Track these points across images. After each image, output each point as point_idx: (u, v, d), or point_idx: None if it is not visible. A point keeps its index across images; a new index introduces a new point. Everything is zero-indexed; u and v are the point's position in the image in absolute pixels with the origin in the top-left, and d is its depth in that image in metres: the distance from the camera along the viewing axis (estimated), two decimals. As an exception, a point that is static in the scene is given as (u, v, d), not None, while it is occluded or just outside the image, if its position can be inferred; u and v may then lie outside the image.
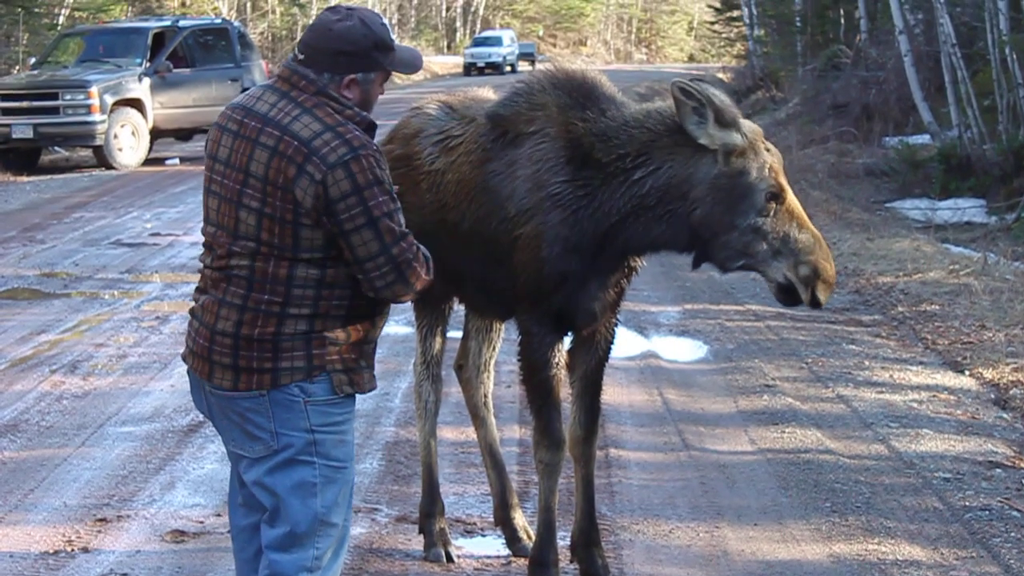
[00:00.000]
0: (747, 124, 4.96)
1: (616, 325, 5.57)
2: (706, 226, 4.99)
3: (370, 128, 4.02)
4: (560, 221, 5.13)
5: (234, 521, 4.31)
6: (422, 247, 4.06)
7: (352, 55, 4.00)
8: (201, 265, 4.17)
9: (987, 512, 6.58)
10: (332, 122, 3.93)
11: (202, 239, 4.17)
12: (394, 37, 4.17)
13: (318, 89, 3.99)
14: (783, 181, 4.92)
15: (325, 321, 3.98)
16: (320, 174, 3.85)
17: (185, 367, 4.22)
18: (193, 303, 4.17)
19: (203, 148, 4.21)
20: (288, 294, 3.94)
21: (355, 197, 3.86)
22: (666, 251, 5.25)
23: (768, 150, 4.94)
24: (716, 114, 4.89)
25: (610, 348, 5.57)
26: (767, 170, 4.90)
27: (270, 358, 3.97)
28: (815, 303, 4.95)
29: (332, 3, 49.84)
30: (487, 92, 5.92)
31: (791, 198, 4.94)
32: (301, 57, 4.04)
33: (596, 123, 5.16)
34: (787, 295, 4.99)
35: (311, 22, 4.17)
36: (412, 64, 4.17)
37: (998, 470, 7.20)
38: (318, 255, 3.94)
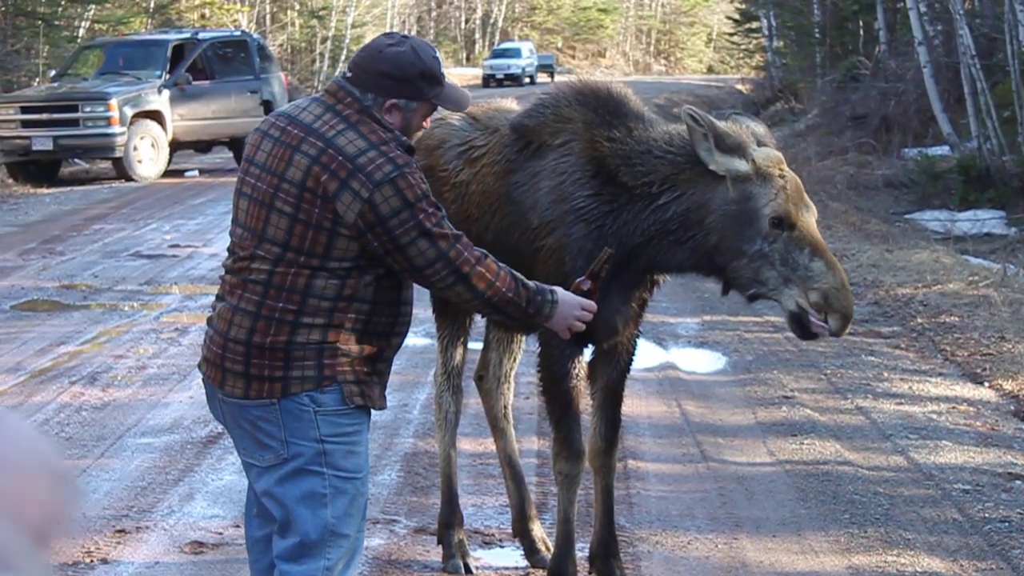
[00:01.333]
0: (761, 151, 4.91)
1: (637, 337, 5.55)
2: (720, 253, 4.97)
3: (408, 151, 4.06)
4: (584, 235, 5.12)
5: (249, 532, 4.32)
6: (480, 249, 4.07)
7: (397, 80, 4.05)
8: (223, 272, 4.20)
9: (1006, 524, 6.56)
10: (376, 139, 3.97)
11: (222, 251, 4.19)
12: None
13: (362, 107, 4.04)
14: (791, 207, 4.81)
15: (339, 332, 3.99)
16: (367, 192, 3.89)
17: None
18: (211, 312, 4.21)
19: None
20: (303, 303, 3.96)
21: (407, 212, 3.90)
22: (692, 274, 5.24)
23: (782, 176, 4.87)
24: (716, 140, 4.88)
25: (631, 360, 5.56)
26: (774, 195, 4.82)
27: (281, 367, 3.98)
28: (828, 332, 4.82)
29: (349, 16, 50.09)
30: (510, 103, 5.92)
31: (804, 224, 4.83)
32: (349, 75, 4.10)
33: (622, 145, 5.13)
34: (798, 325, 4.84)
35: (364, 43, 4.20)
36: (458, 103, 4.22)
37: (1018, 481, 7.18)
38: (346, 265, 3.96)
